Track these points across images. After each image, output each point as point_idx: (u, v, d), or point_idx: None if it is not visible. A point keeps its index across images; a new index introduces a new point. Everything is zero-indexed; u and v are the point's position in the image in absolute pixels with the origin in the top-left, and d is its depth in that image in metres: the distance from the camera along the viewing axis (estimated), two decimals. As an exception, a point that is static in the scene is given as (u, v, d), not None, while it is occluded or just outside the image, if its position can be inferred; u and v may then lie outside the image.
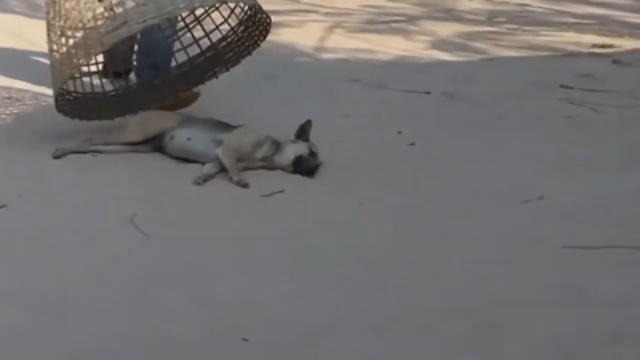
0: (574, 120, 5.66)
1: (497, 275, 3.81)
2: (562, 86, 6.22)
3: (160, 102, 5.17)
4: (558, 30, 7.79)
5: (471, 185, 4.68)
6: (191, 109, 5.29)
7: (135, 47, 5.40)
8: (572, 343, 3.36)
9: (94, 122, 4.96)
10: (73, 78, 4.87)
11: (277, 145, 4.76)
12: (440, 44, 7.28)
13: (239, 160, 4.69)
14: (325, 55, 6.90)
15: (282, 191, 4.53)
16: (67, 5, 4.70)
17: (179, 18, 5.30)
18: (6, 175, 4.56)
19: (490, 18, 8.19)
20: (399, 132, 5.33)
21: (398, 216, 4.35)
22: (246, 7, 5.14)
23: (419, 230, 4.21)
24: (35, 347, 3.23)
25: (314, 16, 7.98)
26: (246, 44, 5.25)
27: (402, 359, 3.27)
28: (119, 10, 4.68)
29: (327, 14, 8.05)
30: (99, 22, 4.67)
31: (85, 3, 4.68)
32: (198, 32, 5.34)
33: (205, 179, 4.59)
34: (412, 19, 8.02)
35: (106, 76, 5.27)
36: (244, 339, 3.31)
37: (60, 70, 4.72)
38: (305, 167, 4.71)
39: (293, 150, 4.73)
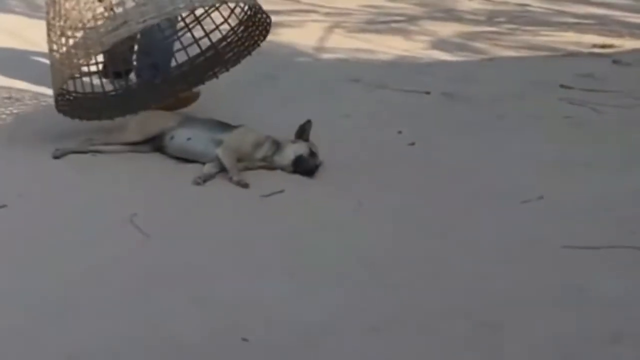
0: (574, 120, 5.66)
1: (497, 275, 3.81)
2: (562, 86, 6.22)
3: (160, 102, 5.17)
4: (558, 30, 7.78)
5: (471, 185, 4.67)
6: (191, 109, 5.29)
7: (135, 47, 5.40)
8: (572, 343, 3.36)
9: (94, 122, 4.96)
10: (73, 78, 4.87)
11: (277, 145, 4.76)
12: (440, 44, 7.28)
13: (239, 160, 4.69)
14: (325, 55, 6.90)
15: (282, 191, 4.53)
16: (67, 5, 4.70)
17: (179, 18, 5.31)
18: (6, 175, 4.56)
19: (490, 18, 8.18)
20: (399, 132, 5.33)
21: (398, 216, 4.34)
22: (246, 7, 5.14)
23: (419, 230, 4.21)
24: (35, 347, 3.23)
25: (314, 16, 7.98)
26: (246, 44, 5.25)
27: (402, 359, 3.27)
28: (119, 10, 4.69)
29: (327, 14, 8.05)
30: (99, 22, 4.67)
31: (85, 3, 4.68)
32: (198, 32, 5.34)
33: (205, 179, 4.59)
34: (412, 19, 8.02)
35: (106, 76, 5.27)
36: (244, 339, 3.31)
37: (60, 70, 4.72)
38: (305, 167, 4.71)
39: (293, 150, 4.73)
